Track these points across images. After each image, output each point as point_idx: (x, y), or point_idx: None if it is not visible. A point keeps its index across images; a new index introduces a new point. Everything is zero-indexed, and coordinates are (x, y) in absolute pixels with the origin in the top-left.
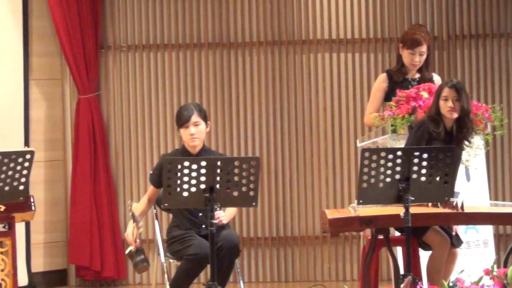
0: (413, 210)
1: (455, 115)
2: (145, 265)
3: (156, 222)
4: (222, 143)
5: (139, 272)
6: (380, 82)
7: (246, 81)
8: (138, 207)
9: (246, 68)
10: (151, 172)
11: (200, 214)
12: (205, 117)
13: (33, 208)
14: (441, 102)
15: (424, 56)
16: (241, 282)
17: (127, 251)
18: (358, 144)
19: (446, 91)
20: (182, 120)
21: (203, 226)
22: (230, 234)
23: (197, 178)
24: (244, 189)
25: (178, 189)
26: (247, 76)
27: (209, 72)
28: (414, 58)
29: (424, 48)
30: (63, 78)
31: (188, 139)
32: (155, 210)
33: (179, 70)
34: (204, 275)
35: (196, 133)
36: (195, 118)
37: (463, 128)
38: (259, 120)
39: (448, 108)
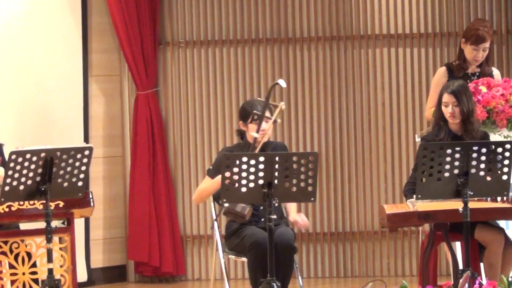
0: (472, 205)
1: (457, 120)
2: (250, 208)
3: (214, 218)
4: (280, 138)
5: (247, 217)
6: (440, 77)
7: (305, 77)
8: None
9: (305, 63)
10: (210, 167)
11: (261, 208)
12: (272, 113)
13: (91, 204)
14: (443, 108)
15: (487, 52)
16: (299, 277)
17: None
18: (417, 139)
19: (445, 97)
20: (254, 117)
21: (262, 219)
22: (285, 232)
23: (255, 173)
24: (302, 184)
25: (237, 185)
26: (305, 71)
27: (267, 67)
28: (478, 54)
29: (487, 44)
30: (122, 74)
31: (258, 135)
32: (213, 206)
33: (238, 66)
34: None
35: (265, 129)
36: (266, 114)
37: (469, 131)
38: (317, 115)
39: (448, 114)
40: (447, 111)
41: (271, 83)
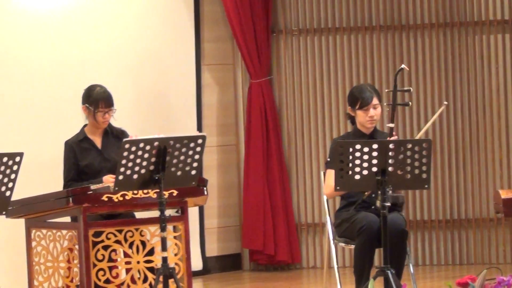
0: None
1: None
2: None
3: (326, 205)
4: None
5: None
6: None
7: (419, 64)
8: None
9: (418, 50)
10: (328, 159)
11: (373, 195)
12: (380, 99)
13: (205, 193)
14: None
15: None
16: (411, 265)
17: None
18: None
19: None
20: (363, 103)
21: (373, 207)
22: (396, 218)
23: (369, 161)
24: (416, 171)
25: (350, 172)
26: (419, 58)
27: (380, 55)
28: None
29: None
30: (235, 63)
31: (367, 121)
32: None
33: (351, 53)
34: (378, 259)
35: (375, 116)
36: (375, 100)
37: None
38: (431, 102)
39: None
40: None
41: (384, 70)
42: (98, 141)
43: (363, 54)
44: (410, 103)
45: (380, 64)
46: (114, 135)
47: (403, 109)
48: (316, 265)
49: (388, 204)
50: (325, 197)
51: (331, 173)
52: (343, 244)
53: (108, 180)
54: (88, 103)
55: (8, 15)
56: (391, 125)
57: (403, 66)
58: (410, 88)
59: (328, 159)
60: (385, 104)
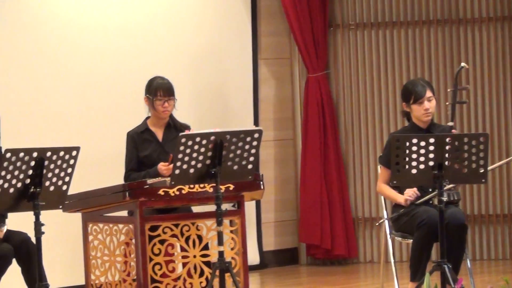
0: None
1: None
2: None
3: (383, 200)
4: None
5: None
6: None
7: (476, 58)
8: (383, 190)
9: (476, 45)
10: (381, 154)
11: (430, 190)
12: (433, 92)
13: (262, 187)
14: None
15: None
16: (468, 260)
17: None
18: None
19: None
20: (417, 96)
21: (430, 202)
22: (456, 212)
23: (425, 155)
24: (473, 165)
25: (407, 166)
26: (476, 53)
27: (438, 49)
28: None
29: None
30: (292, 57)
31: (422, 115)
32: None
33: (408, 47)
34: (435, 253)
35: (430, 108)
36: (429, 93)
37: None
38: (489, 96)
39: None
40: None
41: (441, 65)
42: (159, 134)
43: (420, 48)
44: (467, 101)
45: (438, 58)
46: (177, 129)
47: (461, 107)
48: (373, 259)
49: (445, 198)
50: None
51: (382, 171)
52: (400, 239)
53: (161, 168)
54: (148, 93)
55: (68, 9)
56: (451, 123)
57: (463, 64)
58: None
59: (381, 154)
60: (446, 103)
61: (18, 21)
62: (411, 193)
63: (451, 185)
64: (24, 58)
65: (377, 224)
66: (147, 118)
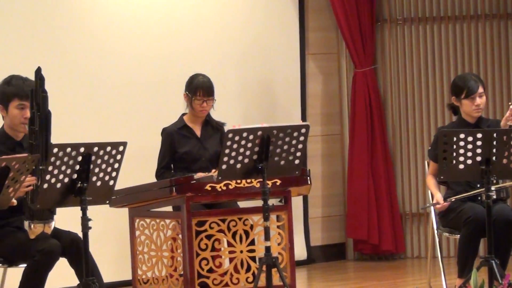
0: None
1: None
2: None
3: (430, 195)
4: (499, 114)
5: None
6: None
7: None
8: (428, 183)
9: None
10: (429, 148)
11: (478, 186)
12: (484, 88)
13: (309, 182)
14: None
15: None
16: None
17: None
18: None
19: None
20: (469, 92)
21: (479, 198)
22: (503, 208)
23: (473, 150)
24: None
25: (454, 162)
26: None
27: (486, 44)
28: None
29: None
30: (339, 52)
31: (473, 110)
32: None
33: (456, 42)
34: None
35: (481, 104)
36: (480, 89)
37: None
38: None
39: None
40: None
41: (489, 60)
42: (197, 130)
43: (468, 43)
44: None
45: (485, 53)
46: (213, 127)
47: (509, 99)
48: (420, 254)
49: (493, 193)
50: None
51: (431, 165)
52: (447, 234)
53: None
54: (188, 90)
55: (113, 5)
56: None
57: None
58: None
59: (430, 148)
60: (509, 103)
61: (66, 20)
62: (439, 206)
63: (508, 184)
64: (70, 55)
65: (421, 208)
66: (184, 114)
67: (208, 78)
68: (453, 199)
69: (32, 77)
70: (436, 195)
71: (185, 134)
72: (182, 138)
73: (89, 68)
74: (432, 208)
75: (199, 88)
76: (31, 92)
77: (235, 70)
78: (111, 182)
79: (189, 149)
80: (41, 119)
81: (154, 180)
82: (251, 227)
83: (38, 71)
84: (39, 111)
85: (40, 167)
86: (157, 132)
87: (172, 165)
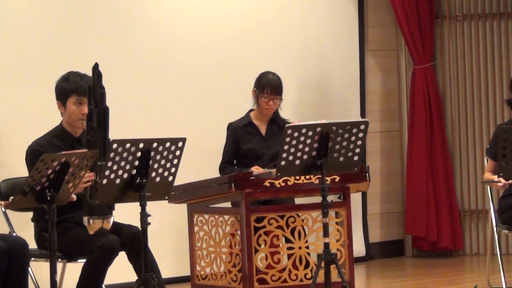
0: None
1: None
2: None
3: (489, 192)
4: None
5: None
6: None
7: None
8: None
9: None
10: (488, 146)
11: None
12: None
13: (368, 178)
14: None
15: None
16: None
17: None
18: None
19: None
20: None
21: None
22: None
23: None
24: None
25: None
26: None
27: None
28: None
29: None
30: (398, 48)
31: None
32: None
33: None
34: None
35: None
36: None
37: None
38: None
39: None
40: None
41: None
42: (263, 128)
43: None
44: None
45: None
46: (279, 125)
47: None
48: (479, 251)
49: None
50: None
51: (489, 163)
52: (506, 231)
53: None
54: (256, 87)
55: (176, 3)
56: None
57: None
58: None
59: (488, 146)
60: None
61: (125, 17)
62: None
63: None
64: (129, 51)
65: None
66: (251, 110)
67: (278, 76)
68: None
69: (90, 73)
70: (495, 178)
71: (250, 131)
72: (246, 135)
73: (149, 64)
74: (491, 205)
75: (267, 86)
76: (88, 88)
77: (294, 66)
78: (170, 178)
79: (252, 146)
80: (99, 115)
81: (213, 176)
82: (310, 223)
83: (95, 67)
84: (97, 107)
85: (99, 163)
86: (216, 128)
87: (235, 161)
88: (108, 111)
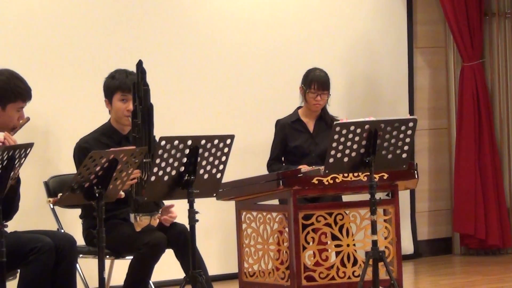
0: None
1: None
2: None
3: None
4: None
5: None
6: None
7: None
8: None
9: None
10: None
11: None
12: None
13: (416, 176)
14: None
15: None
16: None
17: None
18: None
19: None
20: None
21: None
22: None
23: None
24: None
25: None
26: None
27: None
28: None
29: None
30: (447, 46)
31: None
32: None
33: None
34: None
35: None
36: None
37: None
38: None
39: None
40: None
41: None
42: (310, 125)
43: None
44: None
45: None
46: (327, 122)
47: None
48: None
49: None
50: None
51: None
52: None
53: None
54: (303, 83)
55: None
56: None
57: None
58: None
59: None
60: None
61: (170, 13)
62: None
63: None
64: (177, 48)
65: None
66: (299, 107)
67: (325, 72)
68: None
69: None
70: None
71: (298, 128)
72: (294, 131)
73: (194, 60)
74: None
75: (314, 81)
76: (132, 85)
77: (342, 64)
78: (218, 175)
79: (300, 143)
80: (143, 112)
81: (261, 173)
82: (358, 221)
83: (139, 65)
84: (141, 104)
85: (144, 160)
86: (263, 126)
87: (283, 158)
88: (152, 108)
